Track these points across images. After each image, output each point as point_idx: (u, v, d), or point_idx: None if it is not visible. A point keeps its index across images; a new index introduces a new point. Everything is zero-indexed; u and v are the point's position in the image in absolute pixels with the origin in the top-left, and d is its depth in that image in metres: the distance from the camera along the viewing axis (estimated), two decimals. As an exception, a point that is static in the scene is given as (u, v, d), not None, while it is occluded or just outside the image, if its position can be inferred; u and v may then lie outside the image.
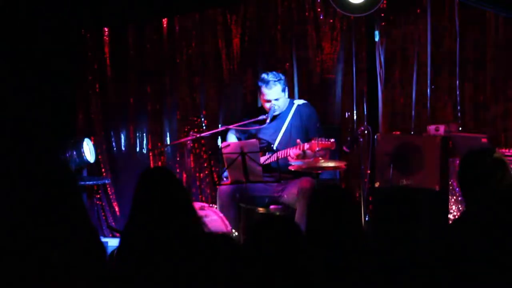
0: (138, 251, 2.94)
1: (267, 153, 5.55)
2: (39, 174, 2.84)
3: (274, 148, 5.61)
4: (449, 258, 2.68)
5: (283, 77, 5.67)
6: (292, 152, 5.36)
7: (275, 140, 5.66)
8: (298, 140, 5.38)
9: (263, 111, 5.72)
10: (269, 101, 5.63)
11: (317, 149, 5.16)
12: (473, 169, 3.22)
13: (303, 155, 5.34)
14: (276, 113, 5.68)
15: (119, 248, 3.09)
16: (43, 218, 2.70)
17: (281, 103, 5.66)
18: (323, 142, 5.18)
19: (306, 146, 5.30)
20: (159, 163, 6.86)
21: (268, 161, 5.49)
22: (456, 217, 5.20)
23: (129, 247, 3.00)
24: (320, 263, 2.66)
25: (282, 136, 5.65)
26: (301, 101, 5.79)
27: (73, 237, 2.70)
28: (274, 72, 5.66)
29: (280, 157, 5.42)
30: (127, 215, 3.22)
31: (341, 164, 5.34)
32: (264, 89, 5.61)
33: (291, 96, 6.09)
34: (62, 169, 2.90)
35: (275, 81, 5.59)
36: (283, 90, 5.65)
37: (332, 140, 5.20)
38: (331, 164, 5.23)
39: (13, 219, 2.71)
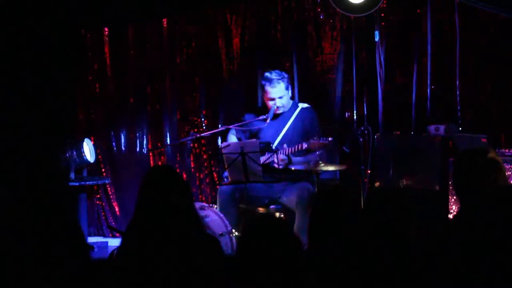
0: (139, 251, 2.93)
1: (266, 153, 5.55)
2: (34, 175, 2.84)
3: (273, 147, 5.61)
4: (444, 257, 2.68)
5: (286, 76, 5.68)
6: (278, 158, 5.40)
7: (275, 140, 5.67)
8: (285, 145, 5.42)
9: (264, 110, 5.72)
10: (273, 99, 5.63)
11: (318, 152, 5.17)
12: (467, 169, 3.21)
13: (288, 161, 5.38)
14: (280, 111, 5.68)
15: (120, 247, 3.08)
16: (33, 217, 2.69)
17: (285, 101, 5.66)
18: (322, 142, 5.20)
19: (305, 145, 5.32)
20: (159, 163, 6.86)
21: (267, 161, 5.49)
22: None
23: (130, 246, 3.00)
24: (313, 262, 2.68)
25: (283, 137, 5.65)
26: (305, 105, 5.79)
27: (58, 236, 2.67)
28: (277, 71, 5.67)
29: (265, 162, 5.42)
30: (127, 215, 3.23)
31: (341, 167, 5.38)
32: (268, 87, 5.61)
33: (291, 96, 6.09)
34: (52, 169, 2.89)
35: (278, 79, 5.60)
36: (287, 88, 5.66)
37: (330, 139, 5.21)
38: (331, 168, 5.26)
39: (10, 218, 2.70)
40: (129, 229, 3.09)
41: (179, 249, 2.90)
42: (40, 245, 2.46)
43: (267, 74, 5.66)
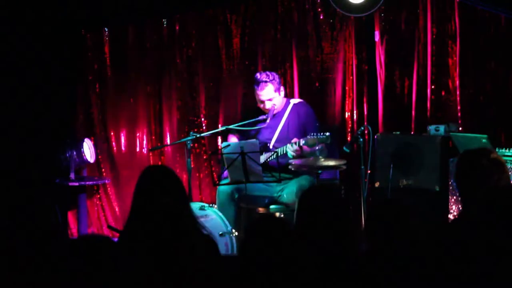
0: (135, 251, 2.93)
1: (264, 153, 5.54)
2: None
3: (271, 147, 5.61)
4: (446, 258, 2.68)
5: (276, 77, 5.64)
6: (290, 149, 5.36)
7: (271, 139, 5.66)
8: (295, 139, 5.39)
9: (263, 111, 5.71)
10: (262, 101, 5.62)
11: (318, 147, 5.16)
12: (470, 170, 3.21)
13: (300, 152, 5.35)
14: (274, 112, 5.66)
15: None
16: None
17: (277, 102, 5.64)
18: (320, 137, 5.19)
19: (302, 141, 5.30)
20: (159, 163, 6.85)
21: (268, 159, 5.48)
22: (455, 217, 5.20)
23: (126, 247, 3.00)
24: (313, 261, 2.68)
25: (279, 135, 5.64)
26: (297, 100, 5.78)
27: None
28: (267, 72, 5.64)
29: (279, 154, 5.41)
30: (127, 215, 3.22)
31: (341, 162, 5.36)
32: (257, 90, 5.61)
33: (291, 96, 6.08)
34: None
35: (266, 81, 5.57)
36: (276, 90, 5.63)
37: (328, 133, 5.20)
38: (331, 163, 5.24)
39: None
40: (125, 229, 3.10)
41: (173, 249, 2.89)
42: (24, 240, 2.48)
43: (256, 75, 5.63)
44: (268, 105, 5.61)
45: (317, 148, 5.19)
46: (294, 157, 5.35)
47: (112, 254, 2.31)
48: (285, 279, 2.40)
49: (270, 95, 5.59)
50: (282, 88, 5.70)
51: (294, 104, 5.71)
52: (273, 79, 5.60)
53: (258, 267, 2.41)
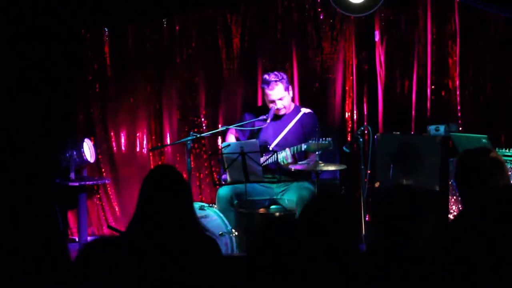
0: (138, 251, 2.93)
1: (263, 154, 5.54)
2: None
3: (271, 148, 5.60)
4: (447, 257, 2.68)
5: (285, 76, 5.66)
6: (282, 155, 5.39)
7: (273, 141, 5.65)
8: (288, 151, 5.38)
9: (264, 110, 5.71)
10: (273, 101, 5.61)
11: (318, 152, 5.16)
12: (470, 169, 3.21)
13: (293, 160, 5.38)
14: (282, 112, 5.66)
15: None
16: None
17: (286, 102, 5.64)
18: (321, 143, 5.18)
19: (304, 146, 5.30)
20: (159, 163, 6.85)
21: (266, 162, 5.47)
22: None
23: (128, 245, 3.00)
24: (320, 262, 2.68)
25: (281, 139, 5.63)
26: (307, 110, 5.77)
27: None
28: (275, 72, 5.66)
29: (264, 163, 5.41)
30: (127, 215, 3.23)
31: (341, 167, 5.38)
32: (267, 90, 5.60)
33: (292, 97, 6.08)
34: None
35: (276, 81, 5.58)
36: (286, 89, 5.64)
37: (329, 139, 5.20)
38: (331, 167, 5.25)
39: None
40: (129, 229, 3.09)
41: (177, 250, 2.90)
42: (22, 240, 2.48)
43: (265, 76, 5.65)
44: (279, 104, 5.60)
45: (317, 153, 5.19)
46: (283, 164, 5.38)
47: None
48: (289, 279, 2.40)
49: (281, 94, 5.60)
50: (290, 88, 5.71)
51: (304, 113, 5.70)
52: (282, 78, 5.61)
53: (264, 268, 2.41)
